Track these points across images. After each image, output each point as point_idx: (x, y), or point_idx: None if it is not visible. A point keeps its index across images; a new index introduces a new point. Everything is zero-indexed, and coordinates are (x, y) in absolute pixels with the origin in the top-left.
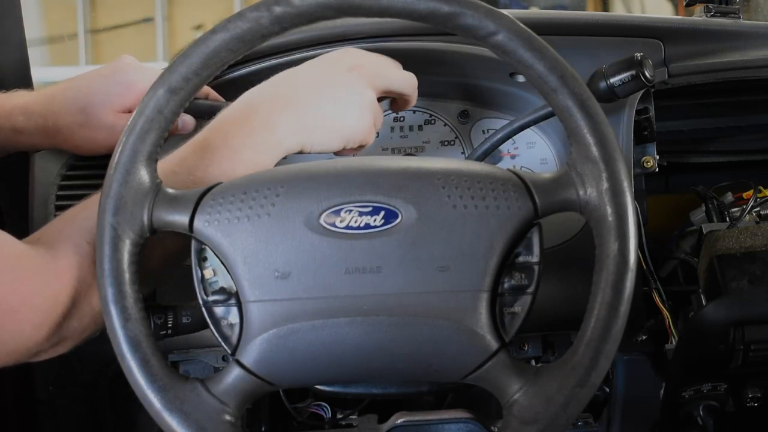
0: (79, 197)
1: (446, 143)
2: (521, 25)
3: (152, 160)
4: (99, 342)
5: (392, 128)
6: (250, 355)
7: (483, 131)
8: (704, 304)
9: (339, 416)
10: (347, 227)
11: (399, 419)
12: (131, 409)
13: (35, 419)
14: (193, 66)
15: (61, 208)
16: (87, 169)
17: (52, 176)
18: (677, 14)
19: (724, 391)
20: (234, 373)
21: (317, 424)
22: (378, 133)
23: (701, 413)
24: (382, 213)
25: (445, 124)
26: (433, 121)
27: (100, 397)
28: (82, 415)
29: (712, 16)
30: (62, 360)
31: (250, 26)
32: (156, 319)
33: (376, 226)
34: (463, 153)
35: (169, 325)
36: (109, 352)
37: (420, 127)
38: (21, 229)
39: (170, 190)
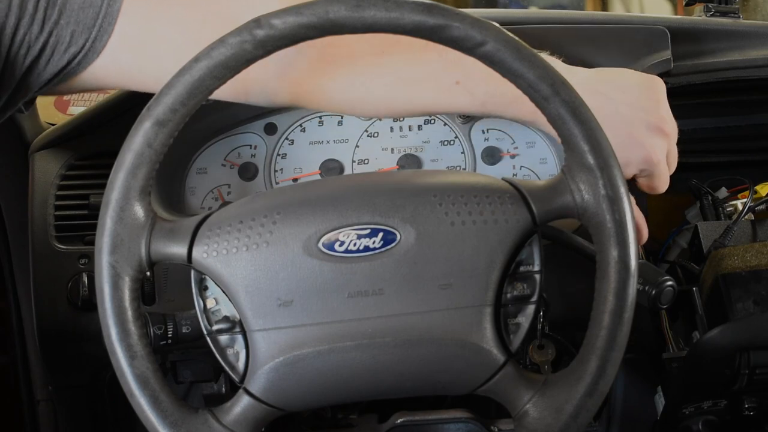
0: (79, 197)
1: (446, 143)
2: (508, 34)
3: (145, 194)
4: (99, 342)
5: (392, 128)
6: (258, 383)
7: (483, 131)
8: (705, 321)
9: (339, 416)
10: (346, 251)
11: (399, 419)
12: (131, 409)
13: (35, 419)
14: (179, 97)
15: (61, 208)
16: (87, 169)
17: (52, 176)
18: (676, 14)
19: (723, 407)
20: (243, 402)
21: (317, 424)
22: (377, 132)
23: (700, 428)
24: (381, 234)
25: (445, 124)
26: (432, 121)
27: (100, 397)
28: (82, 415)
29: (711, 15)
30: (62, 360)
31: (234, 52)
32: (156, 329)
33: (375, 248)
34: (462, 153)
35: (169, 335)
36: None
37: (420, 127)
38: (21, 229)
39: (166, 222)
